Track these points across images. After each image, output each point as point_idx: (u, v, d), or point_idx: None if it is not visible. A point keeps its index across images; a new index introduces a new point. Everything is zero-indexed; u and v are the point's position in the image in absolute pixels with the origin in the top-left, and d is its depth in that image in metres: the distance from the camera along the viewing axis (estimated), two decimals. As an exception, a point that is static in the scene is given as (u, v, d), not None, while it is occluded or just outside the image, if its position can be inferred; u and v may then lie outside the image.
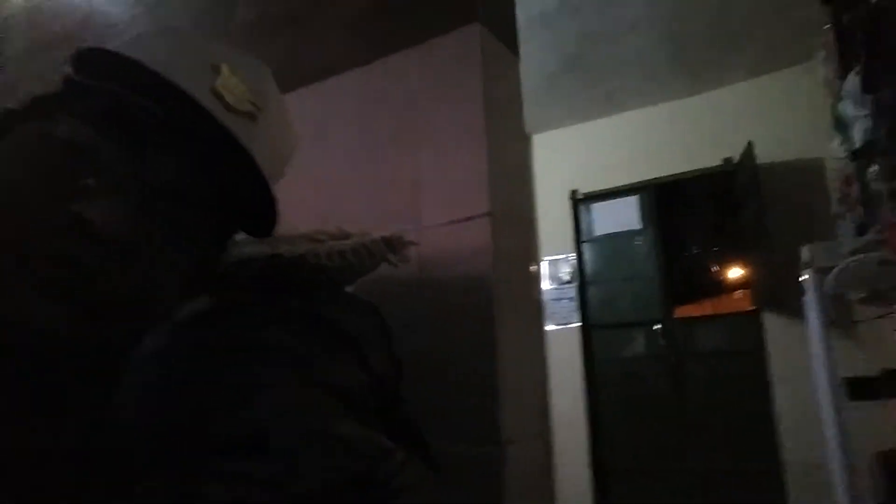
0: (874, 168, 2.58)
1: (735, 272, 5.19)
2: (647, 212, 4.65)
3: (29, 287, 0.44)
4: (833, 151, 3.33)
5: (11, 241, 0.45)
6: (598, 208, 4.85)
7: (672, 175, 4.57)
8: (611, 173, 4.75)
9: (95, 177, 0.48)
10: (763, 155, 4.03)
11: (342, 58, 1.06)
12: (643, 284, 4.55)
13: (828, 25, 2.93)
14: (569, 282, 4.80)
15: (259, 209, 0.59)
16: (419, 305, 0.89)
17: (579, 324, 4.70)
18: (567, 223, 4.90)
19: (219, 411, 0.46)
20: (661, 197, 4.67)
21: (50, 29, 1.52)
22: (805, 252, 2.59)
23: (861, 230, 2.73)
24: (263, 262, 0.61)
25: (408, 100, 0.98)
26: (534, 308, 0.99)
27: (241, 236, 0.63)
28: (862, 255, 2.40)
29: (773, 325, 4.02)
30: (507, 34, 1.02)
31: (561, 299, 4.79)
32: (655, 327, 4.46)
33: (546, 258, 4.90)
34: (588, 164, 4.88)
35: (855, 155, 2.79)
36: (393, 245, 0.74)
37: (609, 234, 4.77)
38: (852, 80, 2.65)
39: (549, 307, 4.79)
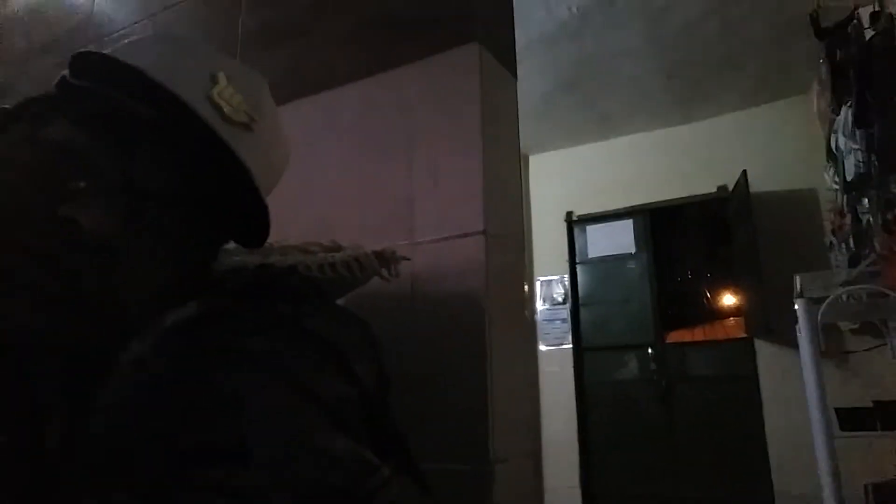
0: (866, 200, 2.60)
1: (727, 299, 5.20)
2: (641, 236, 4.67)
3: (14, 288, 0.44)
4: (826, 183, 3.36)
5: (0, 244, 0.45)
6: (593, 231, 4.87)
7: (666, 200, 4.60)
8: (606, 197, 4.78)
9: (86, 180, 0.47)
10: (756, 184, 4.06)
11: (341, 71, 1.06)
12: (636, 308, 4.56)
13: (822, 60, 2.98)
14: (562, 303, 4.80)
15: (251, 219, 0.58)
16: (410, 321, 0.88)
17: (571, 345, 4.69)
18: (561, 245, 4.92)
19: (201, 419, 0.46)
20: (656, 222, 4.70)
21: (50, 32, 1.52)
22: (797, 281, 2.60)
23: (853, 261, 2.75)
24: (253, 270, 0.60)
25: (405, 115, 0.98)
26: (526, 328, 0.99)
27: (232, 245, 0.63)
28: (854, 287, 2.42)
29: (766, 352, 4.02)
30: (505, 55, 1.03)
31: (554, 320, 4.79)
32: (647, 351, 4.45)
33: (540, 279, 4.91)
34: (583, 186, 4.91)
35: (847, 187, 2.82)
36: (385, 259, 0.74)
37: (603, 256, 4.79)
38: (845, 114, 2.68)
39: (542, 328, 4.79)
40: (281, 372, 0.50)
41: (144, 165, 0.51)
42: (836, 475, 2.15)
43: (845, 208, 2.96)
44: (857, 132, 2.53)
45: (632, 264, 4.68)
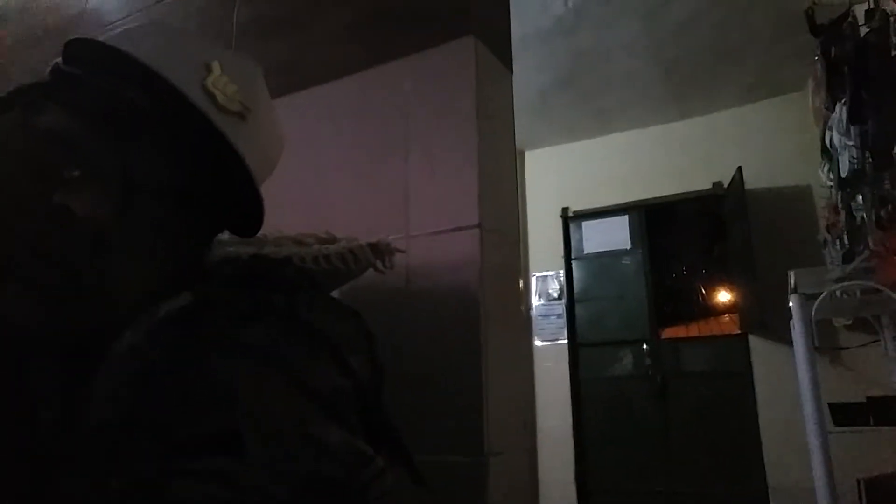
0: (860, 197, 2.61)
1: (722, 295, 5.22)
2: (636, 232, 4.68)
3: (5, 275, 0.44)
4: (820, 179, 3.37)
5: None
6: (588, 227, 4.88)
7: (662, 197, 4.61)
8: (602, 192, 4.79)
9: (80, 168, 0.47)
10: (752, 180, 4.07)
11: (337, 64, 1.06)
12: (631, 304, 4.57)
13: (817, 57, 2.98)
14: (557, 298, 4.81)
15: (245, 209, 0.58)
16: (405, 314, 0.88)
17: (567, 340, 4.71)
18: (557, 240, 4.92)
19: (196, 408, 0.46)
20: (651, 218, 4.71)
21: (43, 22, 1.51)
22: (792, 277, 2.62)
23: (847, 258, 2.76)
24: (247, 260, 0.60)
25: (400, 108, 0.98)
26: (520, 321, 0.99)
27: (226, 236, 0.62)
28: (848, 283, 2.43)
29: (760, 348, 4.04)
30: (501, 48, 1.03)
31: (549, 315, 4.80)
32: (642, 347, 4.47)
33: (535, 274, 4.91)
34: (579, 182, 4.92)
35: (841, 184, 2.83)
36: (380, 251, 0.74)
37: (598, 252, 4.80)
38: (840, 111, 2.69)
39: (538, 323, 4.80)
40: (275, 362, 0.50)
41: (138, 154, 0.51)
42: (829, 470, 2.16)
43: (839, 205, 2.97)
44: (852, 129, 2.53)
45: (627, 260, 4.69)
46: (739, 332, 4.23)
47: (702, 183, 4.47)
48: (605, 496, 4.40)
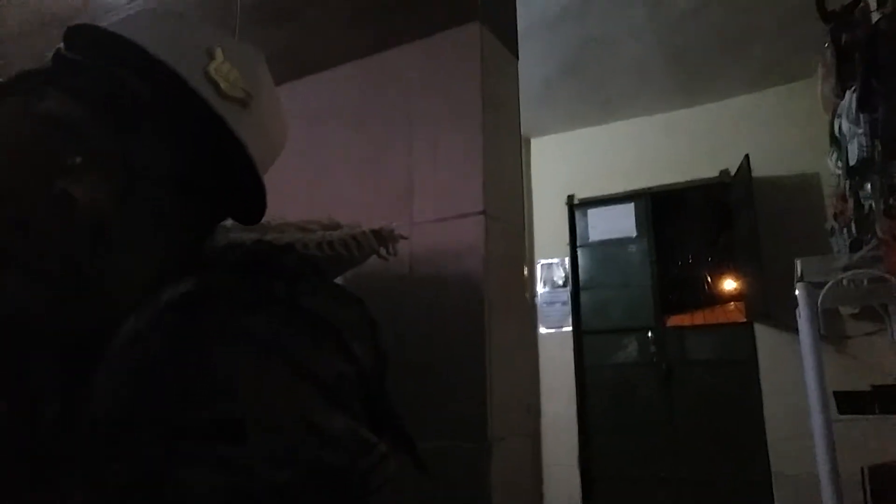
0: (869, 185, 2.59)
1: (728, 283, 5.20)
2: (642, 220, 4.66)
3: (6, 261, 0.44)
4: (829, 167, 3.34)
5: None
6: (594, 214, 4.86)
7: (668, 185, 4.58)
8: (607, 180, 4.76)
9: (82, 155, 0.47)
10: (759, 168, 4.04)
11: (342, 50, 1.05)
12: (636, 292, 4.56)
13: (827, 44, 2.95)
14: (563, 286, 4.81)
15: (248, 197, 0.58)
16: (408, 301, 0.88)
17: (572, 328, 4.71)
18: (563, 228, 4.91)
19: (198, 396, 0.46)
20: (657, 206, 4.69)
21: (47, 9, 1.51)
22: (798, 265, 2.60)
23: (855, 246, 2.74)
24: (250, 246, 0.60)
25: (405, 95, 0.97)
26: (525, 308, 0.99)
27: (229, 222, 0.62)
28: (855, 272, 2.41)
29: (765, 336, 4.03)
30: (507, 35, 1.02)
31: (554, 303, 4.80)
32: (647, 334, 4.46)
33: (541, 261, 4.91)
34: (585, 170, 4.89)
35: (850, 172, 2.80)
36: (383, 238, 0.74)
37: (604, 240, 4.78)
38: (849, 98, 2.66)
39: (543, 311, 4.80)
40: (278, 349, 0.50)
41: (140, 141, 0.50)
42: (833, 458, 2.16)
43: (847, 193, 2.94)
44: (861, 117, 2.51)
45: (633, 248, 4.67)
46: (745, 320, 4.22)
47: (708, 171, 4.44)
48: (609, 482, 4.42)
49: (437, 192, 0.91)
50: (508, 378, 0.86)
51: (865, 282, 2.48)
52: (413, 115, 0.96)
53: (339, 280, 0.75)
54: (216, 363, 0.48)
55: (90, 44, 0.52)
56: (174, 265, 0.54)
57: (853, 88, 2.56)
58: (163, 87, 0.50)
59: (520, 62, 1.06)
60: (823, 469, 2.16)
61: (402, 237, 0.80)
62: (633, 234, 4.67)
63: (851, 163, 2.71)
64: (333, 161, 1.02)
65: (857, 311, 3.47)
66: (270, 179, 0.58)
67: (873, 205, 2.52)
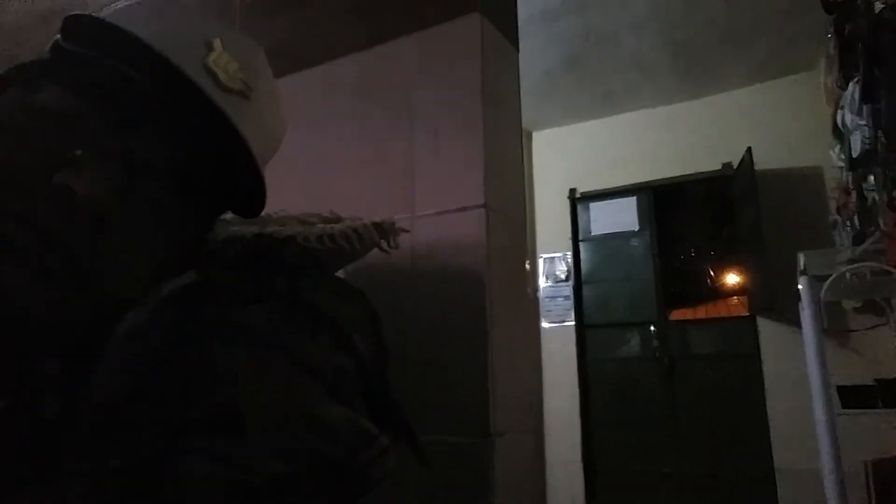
0: (872, 177, 2.58)
1: (731, 277, 5.19)
2: (644, 213, 4.65)
3: (5, 253, 0.43)
4: (831, 160, 3.33)
5: None
6: (596, 208, 4.85)
7: (670, 178, 4.57)
8: (609, 174, 4.75)
9: (82, 148, 0.47)
10: (762, 161, 4.03)
11: (341, 42, 1.05)
12: (638, 285, 4.56)
13: (830, 34, 2.93)
14: (565, 280, 4.80)
15: (248, 189, 0.58)
16: (410, 295, 0.88)
17: (574, 322, 4.71)
18: (565, 221, 4.90)
19: (197, 389, 0.46)
20: (659, 199, 4.68)
21: (44, 3, 1.50)
22: (801, 259, 2.59)
23: (858, 239, 2.73)
24: (250, 240, 0.60)
25: (405, 86, 0.97)
26: (527, 302, 0.98)
27: (229, 215, 0.62)
28: (858, 265, 2.41)
29: (768, 330, 4.03)
30: (507, 26, 1.02)
31: (556, 297, 4.80)
32: (650, 329, 4.46)
33: (542, 255, 4.90)
34: (587, 163, 4.88)
35: (853, 164, 2.79)
36: (384, 231, 0.73)
37: (606, 234, 4.78)
38: (852, 90, 2.65)
39: (545, 305, 4.80)
40: (278, 343, 0.50)
41: (139, 134, 0.50)
42: (836, 452, 2.16)
43: (850, 186, 2.93)
44: (864, 108, 2.50)
45: (635, 242, 4.66)
46: (747, 314, 4.21)
47: (711, 164, 4.43)
48: (611, 477, 4.43)
49: (437, 185, 0.90)
50: (510, 372, 0.86)
51: (868, 275, 2.47)
52: (413, 108, 0.95)
53: (340, 273, 0.75)
54: (216, 357, 0.47)
55: (88, 35, 0.52)
56: (174, 259, 0.54)
57: (856, 79, 2.55)
58: (161, 79, 0.50)
59: (520, 55, 1.05)
60: (826, 463, 2.16)
61: (404, 230, 0.79)
62: (636, 227, 4.67)
63: (854, 155, 2.70)
64: (333, 154, 1.02)
65: (859, 304, 3.46)
66: (270, 172, 0.58)
67: (876, 197, 2.51)
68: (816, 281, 2.40)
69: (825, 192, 3.82)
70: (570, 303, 4.75)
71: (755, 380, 4.00)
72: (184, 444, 0.43)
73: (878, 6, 2.42)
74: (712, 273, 5.43)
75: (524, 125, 1.05)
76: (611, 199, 4.79)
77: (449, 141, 0.91)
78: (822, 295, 2.33)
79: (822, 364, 2.27)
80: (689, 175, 4.51)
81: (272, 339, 0.50)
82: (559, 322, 4.75)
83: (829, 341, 2.67)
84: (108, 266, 0.48)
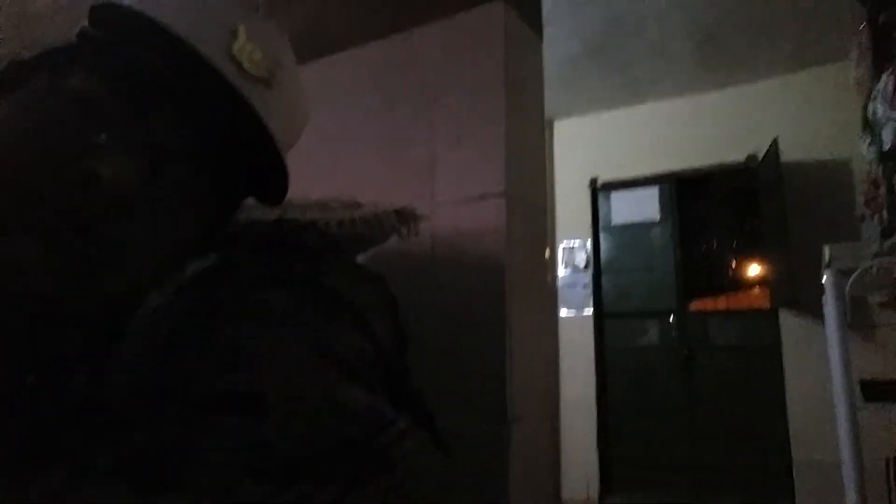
0: (902, 170, 2.52)
1: (753, 269, 5.13)
2: (666, 203, 4.61)
3: (33, 239, 0.45)
4: (861, 153, 3.26)
5: (19, 193, 0.45)
6: (617, 197, 4.81)
7: (694, 168, 4.52)
8: (632, 163, 4.71)
9: (107, 133, 0.48)
10: (788, 152, 3.96)
11: (364, 29, 1.05)
12: (659, 275, 4.53)
13: (863, 25, 2.86)
14: (584, 269, 4.78)
15: (270, 177, 0.58)
16: (430, 282, 0.88)
17: (592, 311, 4.69)
18: (585, 210, 4.87)
19: (219, 370, 0.47)
20: (682, 189, 4.63)
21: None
22: (826, 252, 2.55)
23: (886, 233, 2.68)
24: (271, 225, 0.61)
25: (427, 74, 0.97)
26: (546, 290, 0.98)
27: (251, 201, 0.63)
28: (885, 259, 2.36)
29: (790, 323, 3.98)
30: (531, 14, 1.01)
31: (575, 285, 4.78)
32: (669, 319, 4.43)
33: (562, 244, 4.88)
34: (609, 152, 4.84)
35: (883, 157, 2.73)
36: (405, 218, 0.74)
37: (627, 223, 4.74)
38: (885, 81, 2.58)
39: (564, 293, 4.79)
40: (298, 325, 0.51)
41: (164, 121, 0.51)
42: (857, 447, 2.13)
43: (880, 179, 2.87)
44: (896, 99, 2.44)
45: (656, 232, 4.63)
46: (769, 306, 4.16)
47: (735, 155, 4.36)
48: (627, 466, 4.43)
49: (459, 173, 0.90)
50: (528, 360, 0.86)
51: (896, 270, 2.42)
52: (435, 96, 0.95)
53: (360, 259, 0.75)
54: (237, 338, 0.48)
55: (114, 22, 0.52)
56: (197, 242, 0.54)
57: (890, 70, 2.49)
58: (186, 67, 0.51)
59: (544, 42, 1.05)
60: (847, 457, 2.14)
61: (424, 217, 0.80)
62: (657, 217, 4.63)
63: (885, 148, 2.64)
64: (355, 141, 1.02)
65: (885, 299, 3.40)
66: (291, 159, 0.59)
67: (907, 190, 2.45)
68: (841, 275, 2.36)
69: (852, 184, 3.75)
70: (589, 291, 4.73)
71: (775, 372, 3.96)
72: (205, 422, 0.44)
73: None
74: (734, 264, 5.37)
75: (546, 113, 1.04)
76: (632, 188, 4.74)
77: (471, 128, 0.91)
78: (846, 289, 2.29)
79: (846, 359, 2.23)
80: (713, 166, 4.46)
81: (293, 320, 0.51)
82: (578, 310, 4.73)
83: (852, 336, 2.62)
84: (129, 248, 0.49)
